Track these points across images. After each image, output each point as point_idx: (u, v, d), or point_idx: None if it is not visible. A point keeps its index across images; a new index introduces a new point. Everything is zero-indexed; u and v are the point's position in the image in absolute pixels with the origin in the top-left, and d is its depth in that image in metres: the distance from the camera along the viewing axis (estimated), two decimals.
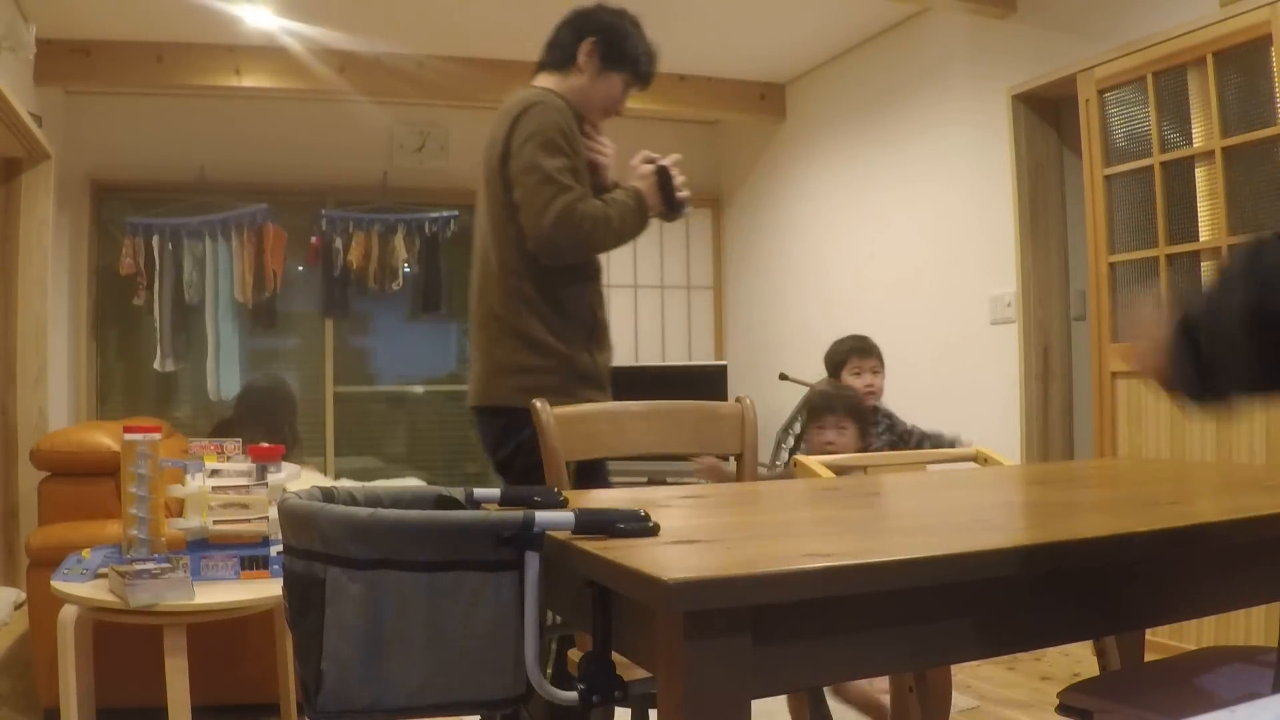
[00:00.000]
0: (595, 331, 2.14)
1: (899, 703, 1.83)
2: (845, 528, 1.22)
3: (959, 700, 2.95)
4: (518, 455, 2.06)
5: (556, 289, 2.08)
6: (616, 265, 6.17)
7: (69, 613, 2.30)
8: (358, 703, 0.99)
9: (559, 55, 2.22)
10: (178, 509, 2.51)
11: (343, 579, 0.98)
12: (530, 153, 2.01)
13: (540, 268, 2.07)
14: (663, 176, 2.14)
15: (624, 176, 2.26)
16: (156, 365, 5.16)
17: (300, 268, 5.54)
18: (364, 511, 1.00)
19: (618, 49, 2.19)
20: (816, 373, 5.09)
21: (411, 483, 4.49)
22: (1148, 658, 1.85)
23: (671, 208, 2.16)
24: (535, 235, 2.02)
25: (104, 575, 2.37)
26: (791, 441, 2.92)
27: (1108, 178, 3.57)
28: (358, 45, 4.69)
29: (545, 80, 2.20)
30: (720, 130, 6.31)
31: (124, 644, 2.59)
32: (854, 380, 3.26)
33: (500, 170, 2.07)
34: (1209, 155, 3.20)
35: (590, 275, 2.15)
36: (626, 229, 2.08)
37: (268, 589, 2.35)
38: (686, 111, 5.60)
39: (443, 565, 0.99)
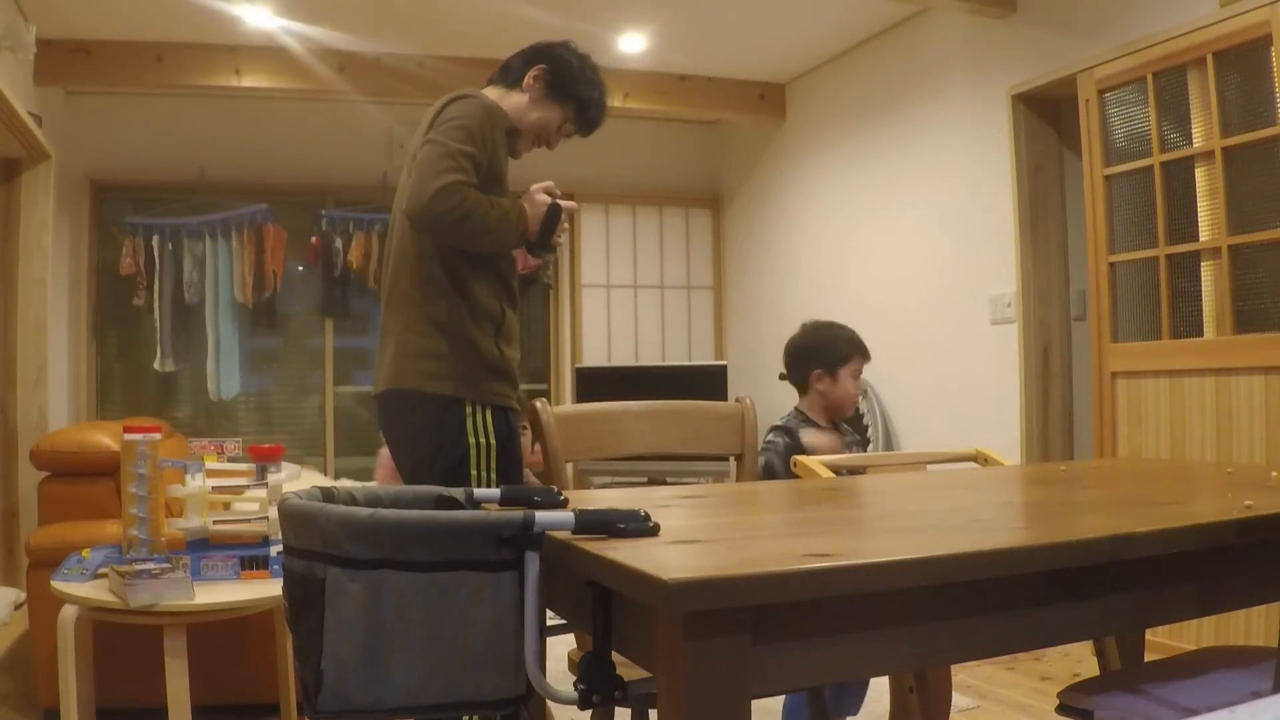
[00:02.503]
0: (503, 327, 2.13)
1: (899, 703, 1.83)
2: (845, 528, 1.22)
3: (959, 700, 2.95)
4: (438, 455, 2.04)
5: (466, 279, 2.07)
6: (616, 265, 6.18)
7: (69, 613, 2.30)
8: (358, 703, 0.99)
9: (508, 75, 2.25)
10: (178, 509, 2.51)
11: (343, 579, 0.98)
12: (443, 131, 2.01)
13: (453, 257, 2.06)
14: (552, 214, 2.12)
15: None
16: (156, 365, 5.16)
17: (300, 268, 5.54)
18: (364, 511, 1.00)
19: (565, 83, 2.21)
20: None
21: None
22: (1148, 658, 1.85)
23: (542, 245, 2.15)
24: (416, 197, 1.96)
25: (104, 575, 2.37)
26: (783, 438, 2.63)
27: (1108, 178, 3.57)
28: (358, 45, 4.69)
29: (490, 92, 2.23)
30: (720, 130, 6.31)
31: (124, 644, 2.59)
32: (853, 387, 2.63)
33: None
34: (1209, 155, 3.20)
35: (500, 272, 2.15)
36: (498, 235, 2.05)
37: (268, 589, 2.35)
38: (686, 111, 5.61)
39: (443, 565, 0.99)
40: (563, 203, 2.14)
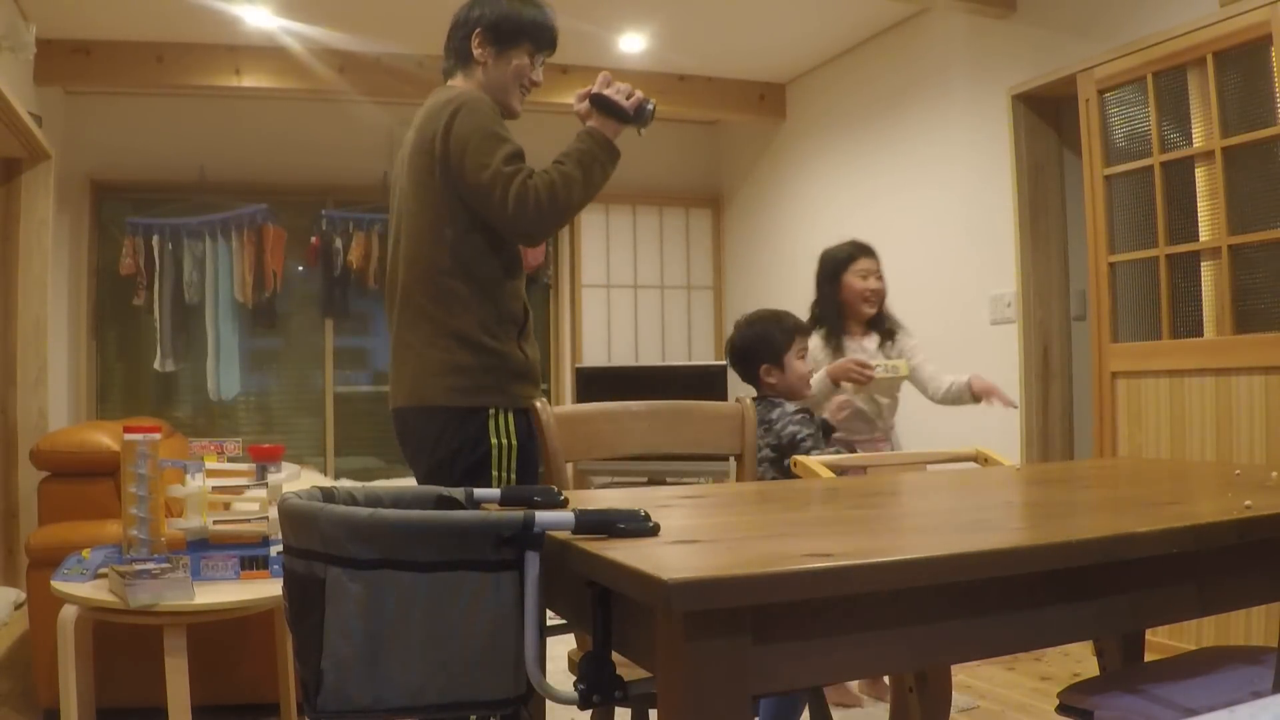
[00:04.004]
0: (524, 327, 2.13)
1: (899, 703, 1.83)
2: (845, 528, 1.22)
3: (959, 700, 2.95)
4: (459, 456, 2.03)
5: (490, 288, 2.06)
6: (616, 265, 6.17)
7: (69, 613, 2.30)
8: (358, 703, 0.99)
9: (457, 58, 2.21)
10: (178, 509, 2.51)
11: (343, 579, 0.98)
12: (474, 155, 2.00)
13: (472, 268, 2.05)
14: (600, 103, 2.09)
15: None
16: (156, 365, 5.16)
17: (300, 268, 5.54)
18: (364, 511, 1.00)
19: (505, 27, 2.17)
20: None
21: (411, 483, 4.48)
22: (1148, 658, 1.85)
23: (630, 119, 2.10)
24: (508, 232, 2.04)
25: (104, 575, 2.37)
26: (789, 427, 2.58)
27: (1108, 178, 3.57)
28: (358, 45, 4.69)
29: (458, 84, 2.20)
30: (720, 130, 6.31)
31: (124, 644, 2.59)
32: (803, 367, 2.74)
33: (440, 171, 2.05)
34: (1209, 155, 3.20)
35: (518, 271, 2.15)
36: (595, 172, 2.05)
37: (268, 589, 2.35)
38: (686, 111, 5.61)
39: (443, 565, 0.99)
40: (594, 89, 2.10)
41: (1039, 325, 4.00)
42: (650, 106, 2.11)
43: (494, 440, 2.03)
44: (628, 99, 2.09)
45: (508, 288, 2.10)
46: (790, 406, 2.53)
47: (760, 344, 2.60)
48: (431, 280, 2.06)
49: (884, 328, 3.25)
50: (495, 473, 2.03)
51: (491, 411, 2.04)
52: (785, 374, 2.58)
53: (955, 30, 4.34)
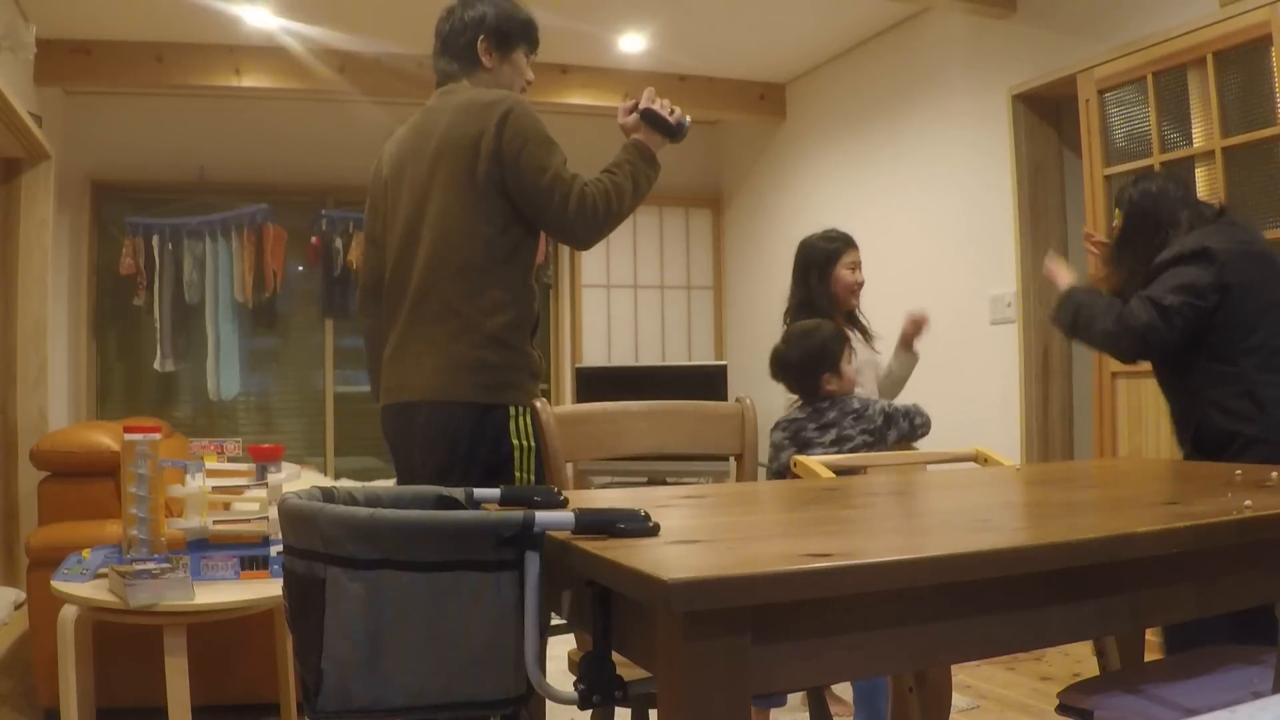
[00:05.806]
0: (536, 329, 2.17)
1: (899, 703, 1.83)
2: (845, 528, 1.22)
3: (959, 700, 2.95)
4: (477, 452, 2.01)
5: (517, 286, 2.08)
6: (616, 265, 6.17)
7: (69, 613, 2.30)
8: (358, 703, 0.99)
9: (460, 64, 2.20)
10: (178, 509, 2.51)
11: (343, 579, 0.98)
12: (532, 156, 2.03)
13: (503, 266, 2.06)
14: (649, 117, 2.18)
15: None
16: (156, 365, 5.16)
17: (300, 268, 5.54)
18: (364, 511, 1.00)
19: (505, 29, 2.21)
20: None
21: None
22: (1148, 658, 1.85)
23: (674, 134, 2.22)
24: (562, 235, 2.09)
25: (104, 575, 2.37)
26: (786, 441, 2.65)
27: (1108, 178, 3.57)
28: (358, 45, 4.69)
29: (472, 84, 2.20)
30: (720, 130, 6.31)
31: (124, 644, 2.59)
32: (852, 369, 2.83)
33: (486, 169, 2.03)
34: (1209, 155, 3.20)
35: (534, 273, 2.18)
36: (642, 184, 2.15)
37: (268, 589, 2.35)
38: (686, 112, 5.60)
39: (443, 565, 0.99)
40: (643, 102, 2.19)
41: (1039, 325, 3.99)
42: (688, 122, 2.24)
43: (515, 441, 2.03)
44: (670, 114, 2.20)
45: (530, 287, 2.13)
46: (854, 401, 2.60)
47: (822, 355, 2.69)
48: (462, 277, 2.05)
49: (860, 324, 3.29)
50: (518, 474, 2.03)
51: (513, 411, 2.04)
52: (842, 379, 2.68)
53: (955, 30, 4.33)
